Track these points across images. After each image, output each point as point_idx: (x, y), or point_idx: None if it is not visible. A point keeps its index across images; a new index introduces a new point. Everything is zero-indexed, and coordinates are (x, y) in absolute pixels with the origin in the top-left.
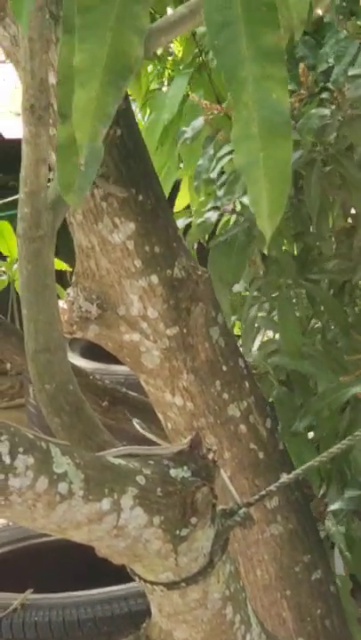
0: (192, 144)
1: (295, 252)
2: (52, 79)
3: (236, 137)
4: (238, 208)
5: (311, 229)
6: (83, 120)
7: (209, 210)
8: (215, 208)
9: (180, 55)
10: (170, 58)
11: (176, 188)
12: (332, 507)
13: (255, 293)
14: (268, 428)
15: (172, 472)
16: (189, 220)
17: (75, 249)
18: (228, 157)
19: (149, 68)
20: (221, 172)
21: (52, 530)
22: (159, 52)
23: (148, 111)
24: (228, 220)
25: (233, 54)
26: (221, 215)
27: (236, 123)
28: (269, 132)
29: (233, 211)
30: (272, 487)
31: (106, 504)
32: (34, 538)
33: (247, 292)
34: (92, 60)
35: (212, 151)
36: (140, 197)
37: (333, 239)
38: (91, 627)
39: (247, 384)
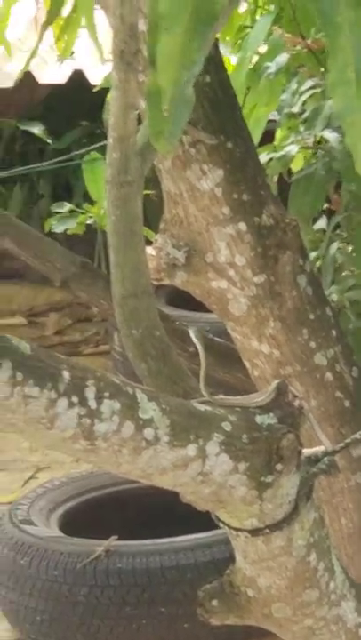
0: (275, 79)
1: None
2: (143, 26)
3: (333, 82)
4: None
5: None
6: (167, 66)
7: (290, 144)
8: (296, 142)
9: None
10: None
11: None
12: None
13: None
14: (354, 376)
15: (258, 419)
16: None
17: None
18: (310, 92)
19: (243, 6)
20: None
21: (137, 475)
22: None
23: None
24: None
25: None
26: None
27: (332, 68)
28: None
29: (314, 145)
30: (357, 435)
31: (191, 450)
32: (119, 484)
33: None
34: (177, 5)
35: (295, 86)
36: (229, 145)
37: None
38: (174, 574)
39: (334, 332)
